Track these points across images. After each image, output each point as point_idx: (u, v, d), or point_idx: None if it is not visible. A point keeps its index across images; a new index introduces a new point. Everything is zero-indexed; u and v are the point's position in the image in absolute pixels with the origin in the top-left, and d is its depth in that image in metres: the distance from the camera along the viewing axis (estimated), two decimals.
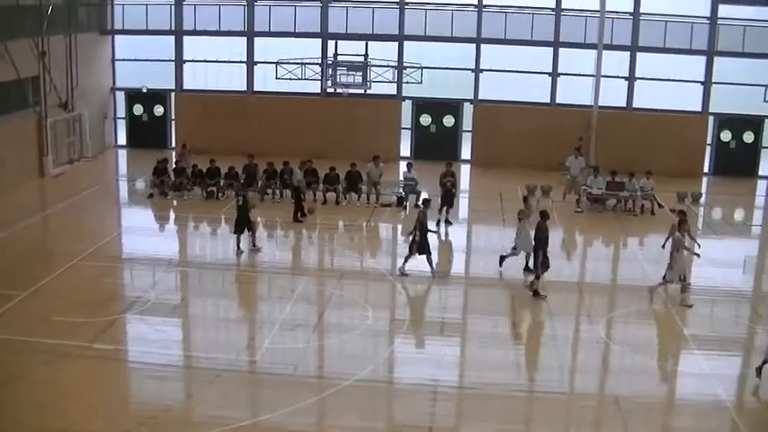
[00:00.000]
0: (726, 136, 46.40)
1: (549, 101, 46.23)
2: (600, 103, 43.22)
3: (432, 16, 45.72)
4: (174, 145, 46.69)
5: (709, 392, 19.99)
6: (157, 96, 48.38)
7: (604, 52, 42.77)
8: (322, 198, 36.66)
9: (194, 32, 46.82)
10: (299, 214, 33.88)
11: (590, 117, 43.07)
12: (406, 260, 27.52)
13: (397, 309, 25.35)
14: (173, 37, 47.01)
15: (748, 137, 46.30)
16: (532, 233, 26.50)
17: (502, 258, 28.04)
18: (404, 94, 46.64)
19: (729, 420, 18.64)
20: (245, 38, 46.73)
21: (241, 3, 46.28)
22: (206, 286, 27.27)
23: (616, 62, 44.65)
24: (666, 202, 37.20)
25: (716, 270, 26.71)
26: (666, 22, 44.39)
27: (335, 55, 43.64)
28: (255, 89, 47.36)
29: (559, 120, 44.73)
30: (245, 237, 29.46)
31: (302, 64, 43.64)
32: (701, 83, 45.48)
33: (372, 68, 43.75)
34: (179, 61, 47.37)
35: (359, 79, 43.38)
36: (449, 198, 34.11)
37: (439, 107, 47.35)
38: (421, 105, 47.37)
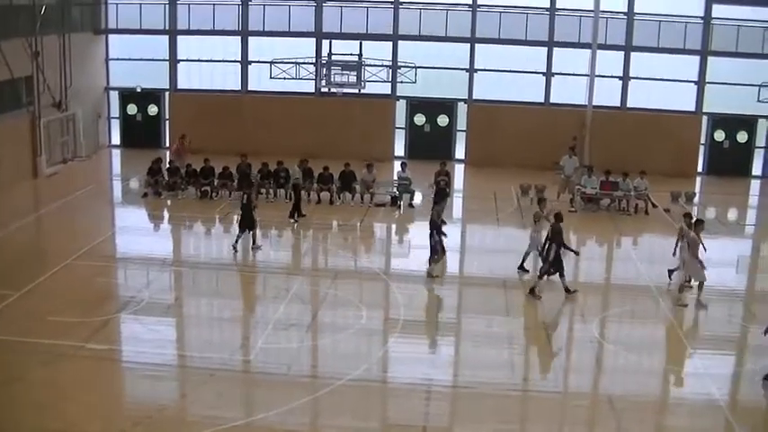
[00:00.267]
0: (719, 136, 46.48)
1: (543, 100, 46.27)
2: (594, 103, 43.21)
3: (426, 16, 45.70)
4: (168, 144, 46.69)
5: (702, 391, 20.04)
6: (151, 96, 48.33)
7: (598, 52, 42.78)
8: (316, 197, 36.63)
9: (188, 32, 46.75)
10: (296, 213, 33.90)
11: (584, 117, 43.08)
12: (434, 262, 27.58)
13: (391, 308, 25.32)
14: (167, 36, 46.95)
15: (742, 137, 46.38)
16: (544, 234, 26.58)
17: (522, 264, 28.10)
18: (398, 94, 46.65)
19: (723, 419, 18.68)
20: (240, 37, 46.69)
21: (235, 2, 46.21)
22: (200, 286, 27.26)
23: (610, 62, 44.67)
24: (660, 201, 37.25)
25: (710, 269, 26.70)
26: (660, 21, 44.43)
27: (330, 54, 43.67)
28: (250, 89, 47.32)
29: (553, 119, 44.75)
30: (245, 236, 29.54)
31: (296, 63, 43.62)
32: (695, 83, 45.54)
33: (367, 68, 43.77)
34: (173, 61, 47.33)
35: (353, 79, 43.41)
36: (442, 197, 34.12)
37: (433, 107, 47.37)
38: (415, 105, 47.39)
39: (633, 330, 24.64)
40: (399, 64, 45.41)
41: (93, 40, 46.33)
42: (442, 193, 34.17)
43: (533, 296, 25.74)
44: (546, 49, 45.59)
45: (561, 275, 25.93)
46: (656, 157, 42.54)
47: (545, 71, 45.95)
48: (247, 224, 29.49)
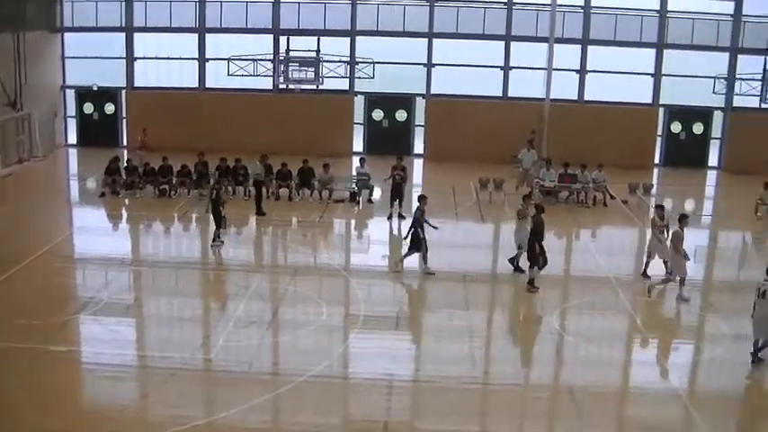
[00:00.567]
0: (676, 128, 46.90)
1: (501, 94, 46.44)
2: (552, 96, 43.32)
3: (383, 11, 45.76)
4: (125, 143, 46.47)
5: (662, 381, 20.24)
6: (108, 94, 48.02)
7: (556, 45, 42.96)
8: (275, 194, 36.57)
9: (145, 29, 46.50)
10: (261, 208, 33.91)
11: (542, 110, 43.26)
12: (425, 259, 27.56)
13: (351, 304, 25.31)
14: (123, 34, 46.66)
15: (698, 128, 46.84)
16: (529, 229, 26.64)
17: (512, 261, 28.01)
18: (356, 90, 46.67)
19: (682, 408, 18.84)
20: (197, 34, 46.49)
21: None
22: (160, 285, 27.11)
23: (567, 55, 44.89)
24: (618, 193, 37.53)
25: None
26: (617, 15, 44.77)
27: (287, 51, 43.68)
28: (207, 86, 47.14)
29: (512, 113, 44.86)
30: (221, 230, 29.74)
31: (254, 60, 43.59)
32: (652, 75, 45.90)
33: (324, 64, 43.90)
34: (130, 58, 47.02)
35: (311, 75, 43.50)
36: (398, 191, 34.14)
37: (391, 102, 47.43)
38: (373, 100, 47.42)
39: (593, 322, 24.81)
40: (357, 60, 45.45)
41: (48, 38, 45.84)
42: (398, 188, 34.18)
43: (532, 288, 25.97)
44: (504, 43, 45.79)
45: (531, 267, 26.10)
46: (614, 150, 42.79)
47: (503, 65, 46.13)
48: (216, 219, 29.51)
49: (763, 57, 43.87)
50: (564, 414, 18.76)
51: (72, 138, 48.39)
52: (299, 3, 45.75)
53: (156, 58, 47.10)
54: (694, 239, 33.57)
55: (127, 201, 36.44)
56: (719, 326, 23.70)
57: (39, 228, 32.31)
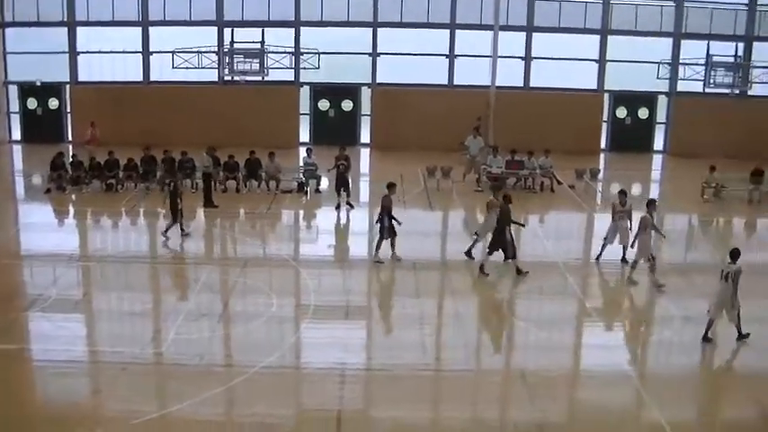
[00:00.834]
0: (621, 113, 47.44)
1: (447, 83, 46.61)
2: (497, 84, 43.54)
3: (327, 1, 45.71)
4: (70, 138, 46.08)
5: (613, 364, 20.40)
6: (52, 89, 47.63)
7: (501, 33, 43.11)
8: (222, 186, 36.41)
9: (88, 23, 46.12)
10: (211, 200, 33.75)
11: (488, 97, 43.43)
12: (377, 247, 27.50)
13: (301, 294, 25.29)
14: (66, 28, 46.21)
15: (643, 113, 47.43)
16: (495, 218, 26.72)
17: (468, 253, 28.02)
18: (302, 80, 46.70)
19: (634, 390, 19.01)
20: (141, 27, 46.15)
21: None
22: (108, 280, 26.85)
23: (512, 43, 45.11)
24: (565, 179, 37.81)
25: (614, 243, 27.29)
26: (561, 2, 45.16)
27: (232, 43, 43.54)
28: (152, 79, 46.85)
29: (458, 101, 45.08)
30: (179, 221, 29.69)
31: (198, 52, 43.38)
32: (596, 61, 46.29)
33: (269, 55, 43.84)
34: (73, 53, 46.62)
35: (256, 66, 43.49)
36: (343, 181, 34.16)
37: (337, 92, 47.48)
38: (319, 91, 47.45)
39: (543, 306, 24.98)
40: (302, 50, 45.40)
41: None
42: (342, 178, 34.18)
43: (520, 274, 26.13)
44: (448, 31, 45.93)
45: (490, 253, 26.25)
46: (560, 136, 43.18)
47: (448, 53, 46.28)
48: (173, 212, 29.39)
49: (706, 41, 44.42)
50: (516, 398, 18.85)
51: (16, 134, 47.93)
52: None
53: (99, 52, 46.71)
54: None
55: (73, 196, 36.09)
56: (668, 308, 23.95)
57: None
